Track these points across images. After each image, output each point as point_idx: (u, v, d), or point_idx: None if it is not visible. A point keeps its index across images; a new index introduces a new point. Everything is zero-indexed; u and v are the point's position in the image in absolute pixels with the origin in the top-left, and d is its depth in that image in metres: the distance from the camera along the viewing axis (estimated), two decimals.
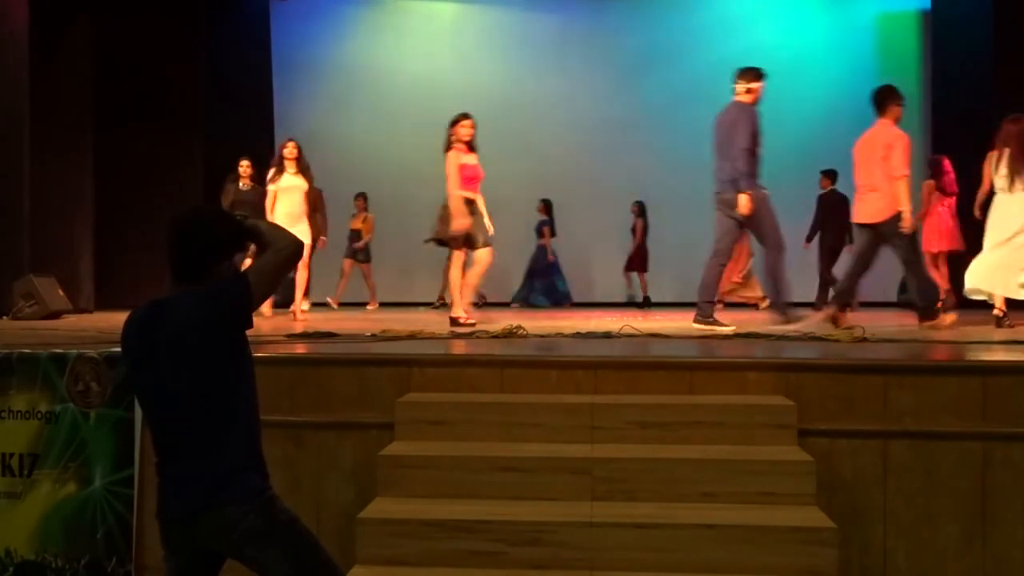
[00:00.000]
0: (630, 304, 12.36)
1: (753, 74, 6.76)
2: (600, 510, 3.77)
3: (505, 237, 12.52)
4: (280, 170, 8.44)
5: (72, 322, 8.26)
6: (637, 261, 12.31)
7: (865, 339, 5.50)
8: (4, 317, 8.68)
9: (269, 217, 8.12)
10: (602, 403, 4.30)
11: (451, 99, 12.82)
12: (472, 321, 7.15)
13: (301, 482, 4.50)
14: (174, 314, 2.74)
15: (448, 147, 7.54)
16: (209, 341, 2.73)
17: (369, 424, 4.51)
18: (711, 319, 6.63)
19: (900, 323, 7.40)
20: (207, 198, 10.52)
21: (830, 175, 10.76)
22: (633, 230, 12.33)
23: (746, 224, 6.66)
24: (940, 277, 9.19)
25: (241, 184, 9.27)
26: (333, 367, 4.71)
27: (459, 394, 4.51)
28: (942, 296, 8.88)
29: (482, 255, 7.38)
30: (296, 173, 8.50)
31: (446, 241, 7.44)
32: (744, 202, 6.45)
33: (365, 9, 13.34)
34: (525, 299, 12.23)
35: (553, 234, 12.33)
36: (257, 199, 8.88)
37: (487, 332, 6.20)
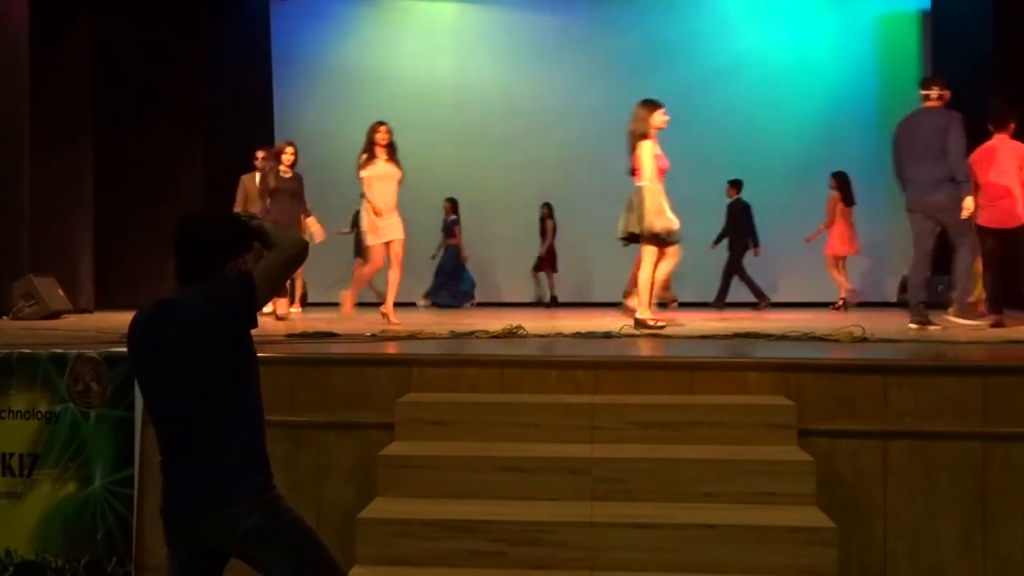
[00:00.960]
0: (538, 304, 12.45)
1: (943, 81, 7.01)
2: (600, 510, 3.77)
3: (505, 236, 12.62)
4: (372, 156, 7.83)
5: (72, 322, 8.26)
6: (547, 261, 12.43)
7: (865, 339, 5.50)
8: (4, 317, 8.68)
9: (367, 207, 7.79)
10: (602, 403, 4.30)
11: (451, 99, 12.91)
12: (662, 323, 6.75)
13: (301, 482, 4.50)
14: (179, 314, 2.75)
15: (643, 136, 6.81)
16: (214, 341, 2.74)
17: (369, 424, 4.52)
18: (925, 319, 6.73)
19: (900, 323, 7.39)
20: (207, 198, 10.53)
21: (736, 185, 11.40)
22: (543, 231, 12.43)
23: (951, 226, 6.70)
24: (842, 278, 10.78)
25: (282, 171, 8.55)
26: (333, 367, 4.71)
27: (459, 394, 4.51)
28: (843, 296, 10.62)
29: (672, 252, 6.92)
30: (388, 160, 7.93)
31: (641, 237, 6.80)
32: (969, 204, 6.55)
33: (365, 9, 13.34)
34: (433, 297, 12.27)
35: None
36: (298, 186, 8.55)
37: (487, 332, 6.20)
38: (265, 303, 2.90)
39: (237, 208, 9.07)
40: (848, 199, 10.65)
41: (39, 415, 4.76)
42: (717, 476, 3.89)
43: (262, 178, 8.74)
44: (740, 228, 11.17)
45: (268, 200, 8.34)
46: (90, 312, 9.93)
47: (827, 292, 10.88)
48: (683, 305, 10.56)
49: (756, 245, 11.17)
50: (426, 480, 3.98)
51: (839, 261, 10.78)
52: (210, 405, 2.75)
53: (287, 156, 8.57)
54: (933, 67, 12.02)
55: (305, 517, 2.91)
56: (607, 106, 12.49)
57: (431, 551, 3.64)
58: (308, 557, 2.80)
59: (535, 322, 7.49)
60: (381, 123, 7.99)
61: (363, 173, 7.86)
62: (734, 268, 11.20)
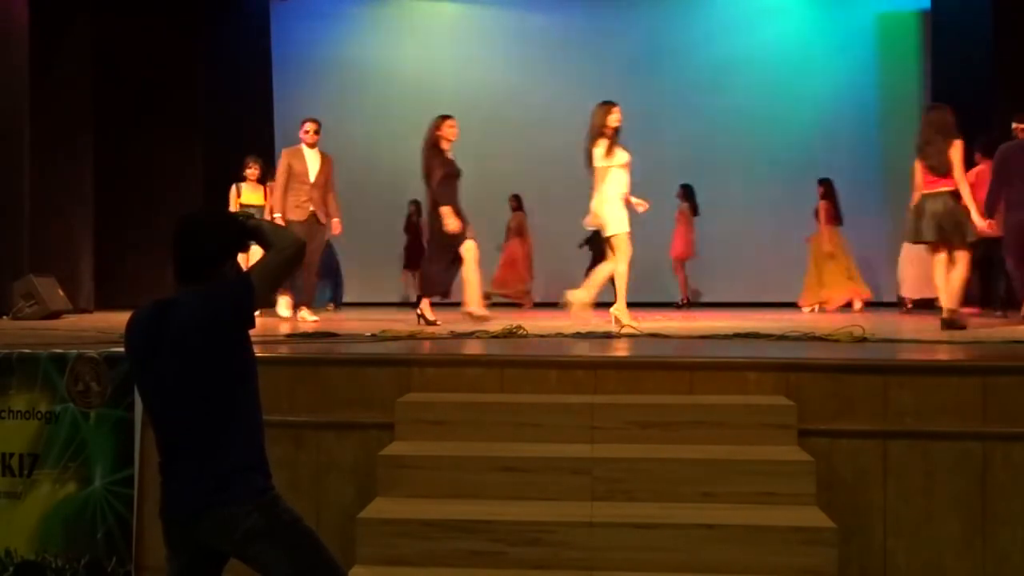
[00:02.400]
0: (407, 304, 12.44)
1: None
2: (600, 510, 3.77)
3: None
4: (614, 143, 7.24)
5: (72, 322, 8.26)
6: (414, 259, 12.28)
7: (865, 339, 5.50)
8: (4, 317, 8.67)
9: (600, 199, 7.22)
10: (602, 403, 4.30)
11: (451, 99, 12.85)
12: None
13: (301, 482, 4.50)
14: (178, 314, 2.74)
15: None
16: (212, 341, 2.74)
17: (369, 424, 4.52)
18: None
19: (900, 323, 7.40)
20: (207, 198, 10.52)
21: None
22: (410, 228, 12.51)
23: None
24: (683, 281, 11.87)
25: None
26: (333, 367, 4.71)
27: (459, 394, 4.51)
28: (685, 297, 11.56)
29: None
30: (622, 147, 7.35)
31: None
32: None
33: (365, 9, 13.34)
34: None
35: None
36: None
37: (487, 332, 6.20)
38: (264, 303, 2.90)
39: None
40: (695, 208, 11.64)
41: (39, 415, 4.76)
42: (717, 476, 3.89)
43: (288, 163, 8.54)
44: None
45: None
46: (90, 312, 9.93)
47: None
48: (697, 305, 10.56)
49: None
50: (426, 480, 3.98)
51: (681, 263, 11.75)
52: (209, 405, 2.75)
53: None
54: (933, 67, 12.03)
55: (305, 517, 2.91)
56: None
57: (431, 551, 3.64)
58: (308, 557, 2.80)
59: (535, 322, 7.49)
60: (614, 103, 7.48)
61: (606, 162, 7.23)
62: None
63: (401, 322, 7.55)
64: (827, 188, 10.62)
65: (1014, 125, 8.02)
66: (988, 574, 4.22)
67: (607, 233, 7.05)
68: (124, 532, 4.64)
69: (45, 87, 9.56)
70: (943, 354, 5.07)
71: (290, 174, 8.27)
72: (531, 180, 12.42)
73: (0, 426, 4.77)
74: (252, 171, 9.12)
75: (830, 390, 4.36)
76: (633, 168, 12.17)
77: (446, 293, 7.77)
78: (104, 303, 10.22)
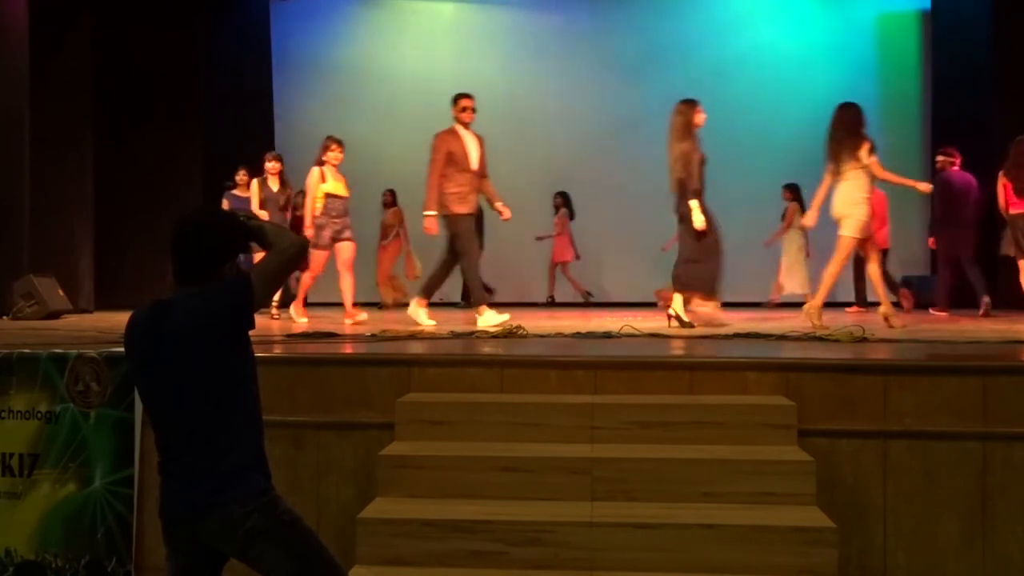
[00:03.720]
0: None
1: None
2: (600, 510, 3.77)
3: (507, 235, 12.60)
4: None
5: (72, 322, 8.27)
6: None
7: (865, 339, 5.50)
8: (4, 317, 8.68)
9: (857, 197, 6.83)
10: (602, 403, 4.30)
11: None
12: None
13: (301, 482, 4.50)
14: (177, 314, 2.74)
15: None
16: (212, 341, 2.74)
17: (369, 424, 4.52)
18: None
19: (900, 323, 7.39)
20: (207, 198, 10.53)
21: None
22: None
23: None
24: (574, 282, 12.24)
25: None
26: (333, 367, 4.71)
27: (459, 394, 4.51)
28: (586, 292, 11.94)
29: None
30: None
31: None
32: None
33: (365, 9, 13.33)
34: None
35: None
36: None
37: (487, 332, 6.20)
38: (263, 304, 2.89)
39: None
40: (571, 214, 12.15)
41: (39, 415, 4.76)
42: (717, 476, 3.89)
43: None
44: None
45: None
46: (90, 312, 9.93)
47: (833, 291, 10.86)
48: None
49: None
50: (426, 480, 3.98)
51: (561, 266, 12.24)
52: (209, 406, 2.75)
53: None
54: (933, 67, 12.03)
55: (305, 517, 2.91)
56: (607, 106, 12.53)
57: (431, 551, 3.64)
58: (308, 557, 2.80)
59: (535, 322, 7.50)
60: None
61: (864, 162, 6.92)
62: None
63: (401, 322, 7.55)
64: (794, 193, 10.97)
65: (938, 158, 9.37)
66: (988, 574, 4.22)
67: (845, 232, 6.87)
68: (124, 532, 4.64)
69: (45, 87, 9.57)
70: (943, 354, 5.07)
71: (448, 160, 7.29)
72: (531, 180, 12.41)
73: (0, 426, 4.77)
74: (335, 153, 8.18)
75: (830, 390, 4.36)
76: (633, 168, 12.23)
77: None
78: (104, 303, 10.22)
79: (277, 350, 5.15)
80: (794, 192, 11.06)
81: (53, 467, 4.73)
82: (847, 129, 6.85)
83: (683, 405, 4.30)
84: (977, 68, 10.89)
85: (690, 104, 7.34)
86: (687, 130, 7.23)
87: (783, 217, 11.12)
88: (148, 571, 4.59)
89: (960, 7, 11.48)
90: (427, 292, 7.43)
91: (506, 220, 7.46)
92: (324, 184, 8.01)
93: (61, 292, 9.10)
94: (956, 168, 9.14)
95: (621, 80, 12.63)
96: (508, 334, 6.12)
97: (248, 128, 11.76)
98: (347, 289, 8.09)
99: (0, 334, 6.66)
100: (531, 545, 3.61)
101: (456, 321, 7.71)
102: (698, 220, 6.97)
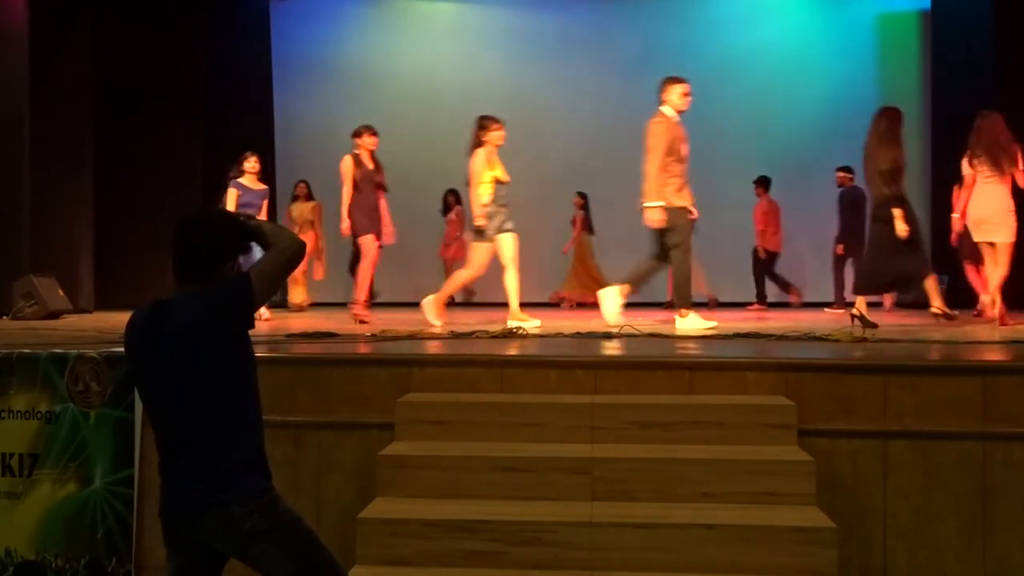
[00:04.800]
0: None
1: None
2: (600, 510, 3.77)
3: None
4: None
5: (72, 322, 8.27)
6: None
7: (865, 339, 5.50)
8: (4, 317, 8.68)
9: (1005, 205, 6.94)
10: (602, 403, 4.30)
11: (451, 99, 12.88)
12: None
13: (301, 482, 4.50)
14: (177, 314, 2.74)
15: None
16: (212, 341, 2.74)
17: (369, 424, 4.52)
18: None
19: (900, 323, 7.40)
20: (207, 197, 10.52)
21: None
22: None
23: None
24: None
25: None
26: (333, 367, 4.71)
27: (459, 394, 4.51)
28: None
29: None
30: None
31: None
32: None
33: (365, 9, 13.33)
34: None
35: None
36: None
37: (487, 332, 6.20)
38: (262, 304, 2.89)
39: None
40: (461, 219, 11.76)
41: (39, 415, 4.76)
42: (717, 476, 3.89)
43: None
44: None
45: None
46: (90, 312, 9.93)
47: (828, 292, 10.87)
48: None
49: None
50: (426, 480, 3.98)
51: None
52: (209, 406, 2.75)
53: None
54: (933, 67, 12.03)
55: (305, 517, 2.91)
56: (607, 106, 12.52)
57: (431, 551, 3.64)
58: (308, 557, 2.80)
59: (552, 323, 7.47)
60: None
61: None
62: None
63: (405, 322, 7.55)
64: (765, 186, 11.15)
65: (839, 175, 10.41)
66: (988, 574, 4.22)
67: (1000, 239, 6.94)
68: (124, 532, 4.64)
69: (45, 87, 9.56)
70: (943, 354, 5.08)
71: (668, 149, 7.07)
72: (531, 179, 12.41)
73: (0, 426, 4.77)
74: (498, 133, 7.66)
75: (830, 390, 4.36)
76: (633, 168, 12.21)
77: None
78: (104, 303, 10.22)
79: (277, 350, 5.15)
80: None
81: (53, 467, 4.73)
82: (1007, 135, 6.84)
83: (683, 405, 4.30)
84: (977, 68, 10.88)
85: (895, 110, 7.23)
86: (896, 136, 7.07)
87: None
88: (148, 571, 4.59)
89: (960, 7, 11.47)
90: (634, 285, 7.08)
91: None
92: (492, 170, 7.40)
93: (61, 292, 9.10)
94: (854, 183, 10.21)
95: (621, 80, 12.61)
96: (508, 334, 6.13)
97: (248, 128, 11.75)
98: (514, 287, 7.28)
99: (0, 334, 6.66)
100: (531, 545, 3.61)
101: (456, 321, 7.70)
102: (900, 228, 6.84)
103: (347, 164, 8.01)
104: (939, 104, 11.77)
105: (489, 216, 7.20)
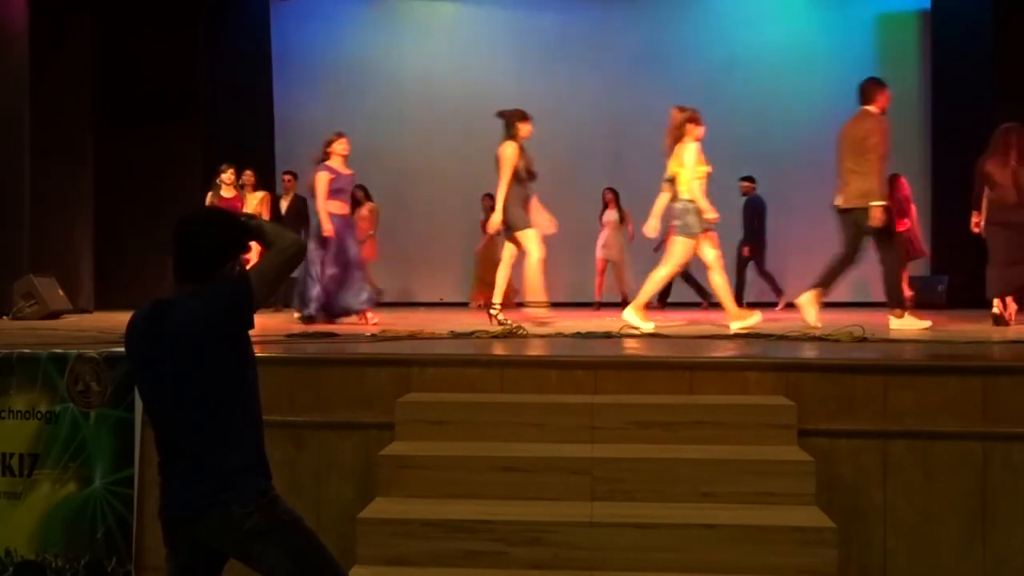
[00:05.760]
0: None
1: None
2: (600, 510, 3.77)
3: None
4: None
5: (72, 322, 8.27)
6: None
7: (865, 339, 5.50)
8: (4, 317, 8.68)
9: None
10: (602, 403, 4.30)
11: (451, 99, 12.90)
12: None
13: (301, 482, 4.50)
14: (177, 314, 2.74)
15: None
16: (212, 342, 2.74)
17: (369, 424, 4.52)
18: None
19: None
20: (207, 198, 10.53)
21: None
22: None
23: None
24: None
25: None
26: (333, 367, 4.71)
27: (459, 394, 4.51)
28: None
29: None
30: None
31: None
32: None
33: (365, 9, 13.34)
34: None
35: None
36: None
37: (487, 332, 6.20)
38: (262, 304, 2.89)
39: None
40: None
41: (39, 415, 4.76)
42: (717, 476, 3.89)
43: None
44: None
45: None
46: (90, 312, 9.94)
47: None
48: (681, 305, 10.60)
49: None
50: (426, 480, 3.98)
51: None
52: (209, 406, 2.75)
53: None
54: (933, 67, 12.03)
55: (305, 517, 2.91)
56: (607, 106, 12.53)
57: (431, 551, 3.64)
58: (309, 557, 2.80)
59: (572, 322, 7.46)
60: None
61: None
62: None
63: (402, 321, 7.55)
64: (614, 195, 11.46)
65: (744, 184, 11.24)
66: (988, 574, 4.22)
67: None
68: (124, 532, 4.64)
69: (46, 87, 9.57)
70: (943, 354, 5.07)
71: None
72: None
73: (0, 426, 4.77)
74: (696, 128, 7.47)
75: (830, 390, 4.36)
76: (633, 168, 12.22)
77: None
78: (104, 303, 10.22)
79: (277, 350, 5.15)
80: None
81: (53, 467, 4.73)
82: None
83: (683, 405, 4.30)
84: (977, 68, 10.89)
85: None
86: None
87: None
88: (148, 571, 4.59)
89: (960, 7, 11.48)
90: (824, 285, 6.91)
91: None
92: (702, 166, 7.08)
93: (61, 292, 9.10)
94: (755, 192, 11.28)
95: (621, 80, 12.62)
96: (508, 334, 6.12)
97: (248, 128, 11.76)
98: (725, 288, 6.98)
99: (0, 334, 6.66)
100: (531, 545, 3.61)
101: (457, 321, 7.70)
102: None
103: (510, 151, 7.70)
104: (939, 104, 11.77)
105: (699, 211, 6.82)
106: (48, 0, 9.57)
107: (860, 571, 4.23)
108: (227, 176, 9.50)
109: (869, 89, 7.09)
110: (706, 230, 6.85)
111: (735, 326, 6.60)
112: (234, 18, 12.25)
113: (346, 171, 8.11)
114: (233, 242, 2.86)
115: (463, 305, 11.83)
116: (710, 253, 6.90)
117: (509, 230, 7.53)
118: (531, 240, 7.49)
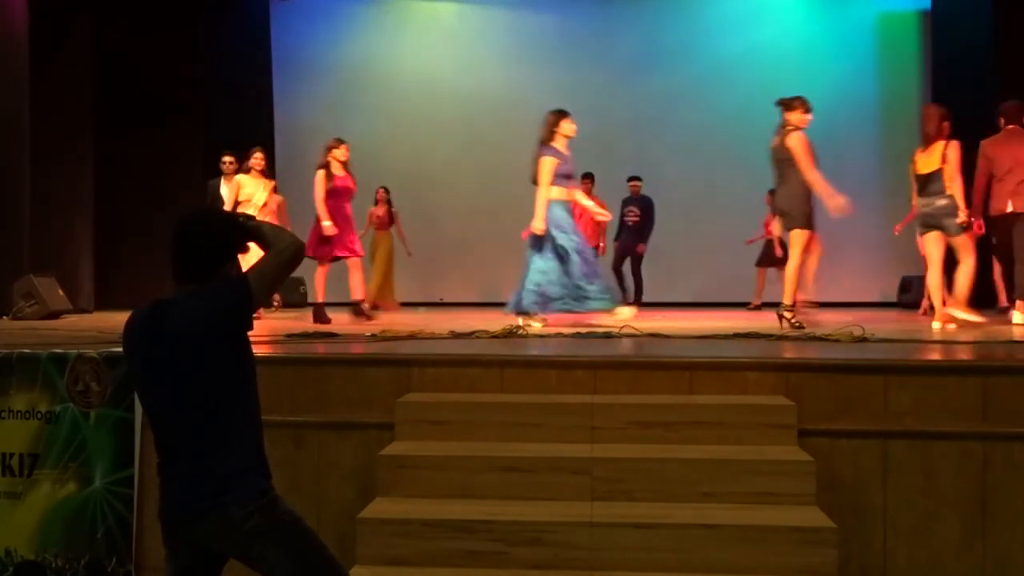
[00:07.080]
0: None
1: None
2: (600, 510, 3.77)
3: (503, 235, 12.62)
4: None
5: (72, 322, 8.27)
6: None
7: (865, 339, 5.50)
8: (4, 317, 8.68)
9: None
10: (602, 403, 4.30)
11: (451, 99, 12.92)
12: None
13: (301, 482, 4.50)
14: (176, 315, 2.74)
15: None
16: (211, 342, 2.73)
17: (369, 424, 4.52)
18: None
19: (900, 323, 7.39)
20: (206, 197, 10.53)
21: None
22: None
23: None
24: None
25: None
26: (333, 367, 4.71)
27: (459, 394, 4.51)
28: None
29: None
30: None
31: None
32: None
33: (365, 9, 13.34)
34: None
35: None
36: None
37: (487, 332, 6.20)
38: (261, 305, 2.89)
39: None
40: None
41: (39, 415, 4.76)
42: (717, 476, 3.89)
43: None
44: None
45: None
46: (90, 312, 9.94)
47: (826, 292, 10.87)
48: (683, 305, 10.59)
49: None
50: (426, 480, 3.98)
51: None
52: (208, 406, 2.75)
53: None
54: (933, 67, 12.03)
55: (305, 517, 2.91)
56: (607, 106, 12.52)
57: (431, 551, 3.64)
58: (309, 557, 2.80)
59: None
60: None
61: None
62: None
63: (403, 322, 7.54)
64: (591, 182, 11.27)
65: (633, 184, 11.64)
66: (988, 574, 4.22)
67: None
68: (124, 532, 4.64)
69: (46, 87, 9.57)
70: (943, 354, 5.08)
71: None
72: (529, 179, 12.40)
73: (0, 426, 4.77)
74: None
75: (830, 390, 4.36)
76: (632, 168, 12.23)
77: None
78: (104, 303, 10.23)
79: (277, 350, 5.14)
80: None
81: (53, 467, 4.73)
82: None
83: (683, 405, 4.30)
84: (977, 68, 10.89)
85: None
86: None
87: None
88: (148, 571, 4.59)
89: (960, 7, 11.48)
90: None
91: None
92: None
93: (61, 292, 9.11)
94: (641, 192, 11.68)
95: (621, 80, 12.63)
96: (508, 334, 6.12)
97: (248, 128, 11.75)
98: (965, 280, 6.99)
99: (0, 334, 6.66)
100: (531, 545, 3.61)
101: (457, 321, 7.70)
102: None
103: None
104: (939, 104, 11.75)
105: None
106: (48, 0, 9.57)
107: (860, 571, 4.23)
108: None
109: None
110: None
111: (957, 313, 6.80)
112: (234, 18, 12.26)
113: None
114: (232, 242, 2.86)
115: (463, 305, 11.83)
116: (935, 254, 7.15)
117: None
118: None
